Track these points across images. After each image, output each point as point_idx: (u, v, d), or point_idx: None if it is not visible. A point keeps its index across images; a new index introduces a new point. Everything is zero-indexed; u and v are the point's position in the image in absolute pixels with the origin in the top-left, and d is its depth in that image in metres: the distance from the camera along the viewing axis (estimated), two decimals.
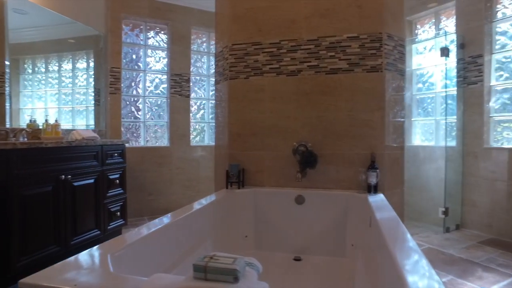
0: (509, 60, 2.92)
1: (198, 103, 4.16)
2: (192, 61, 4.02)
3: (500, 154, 2.87)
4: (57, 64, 3.15)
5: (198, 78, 4.15)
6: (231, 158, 2.51)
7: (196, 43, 4.13)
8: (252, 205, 2.36)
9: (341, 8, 2.33)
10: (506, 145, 2.91)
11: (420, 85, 3.63)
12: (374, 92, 2.26)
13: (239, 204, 2.32)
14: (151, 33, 3.83)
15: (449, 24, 3.39)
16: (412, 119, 3.63)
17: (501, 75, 2.99)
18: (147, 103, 3.82)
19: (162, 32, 3.87)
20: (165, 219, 1.57)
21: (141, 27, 3.76)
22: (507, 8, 2.93)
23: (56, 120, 2.75)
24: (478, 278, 2.06)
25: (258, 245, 2.34)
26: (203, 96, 4.20)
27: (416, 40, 3.65)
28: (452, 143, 3.16)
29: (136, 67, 3.77)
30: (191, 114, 3.99)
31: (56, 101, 3.14)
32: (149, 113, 3.84)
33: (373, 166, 2.18)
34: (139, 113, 3.78)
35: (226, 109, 2.58)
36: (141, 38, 3.77)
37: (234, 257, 0.81)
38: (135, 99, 3.77)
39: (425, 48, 3.59)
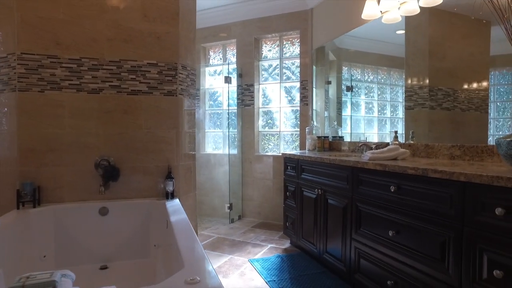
0: (267, 90, 4.00)
1: None
2: None
3: (267, 159, 3.87)
4: None
5: None
6: (22, 175, 2.34)
7: None
8: (51, 222, 2.30)
9: (142, 36, 2.60)
10: (269, 153, 3.95)
11: (211, 102, 4.34)
12: (170, 113, 2.66)
13: (35, 223, 2.22)
14: None
15: (234, 55, 4.24)
16: (205, 131, 4.31)
17: (264, 101, 4.03)
18: None
19: None
20: None
21: None
22: (268, 51, 3.99)
23: None
24: (248, 253, 2.79)
25: (59, 263, 2.30)
26: None
27: (209, 64, 4.35)
28: (234, 151, 3.99)
29: None
30: None
31: None
32: None
33: (169, 176, 2.57)
34: None
35: (13, 123, 2.37)
36: None
37: (50, 272, 0.98)
38: None
39: (215, 72, 4.33)
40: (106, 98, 2.53)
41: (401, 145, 2.31)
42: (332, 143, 3.20)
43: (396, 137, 2.35)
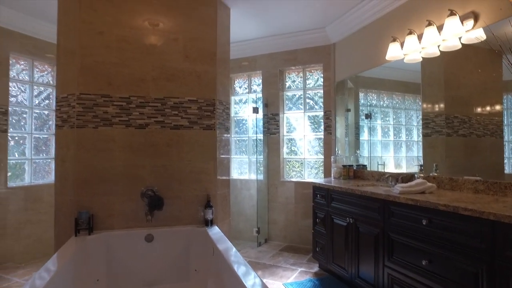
0: (292, 119, 4.22)
1: (16, 138, 3.74)
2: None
3: (290, 185, 4.06)
4: None
5: (17, 109, 3.74)
6: (78, 205, 2.57)
7: (15, 69, 3.73)
8: (103, 248, 2.51)
9: (184, 75, 2.87)
10: (293, 179, 4.15)
11: (237, 129, 4.58)
12: (208, 146, 2.89)
13: (90, 249, 2.43)
14: None
15: (259, 84, 4.49)
16: (231, 157, 4.52)
17: (289, 129, 4.25)
18: None
19: None
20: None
21: None
22: (292, 82, 4.24)
23: None
24: (281, 277, 2.95)
25: (110, 286, 2.49)
26: (24, 130, 3.80)
27: (235, 93, 4.61)
28: (261, 176, 4.19)
29: None
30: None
31: None
32: None
33: (208, 204, 2.78)
34: None
35: (71, 157, 2.62)
36: None
37: None
38: None
39: (240, 100, 4.59)
40: (152, 133, 2.78)
41: (426, 177, 2.48)
42: (356, 172, 3.38)
43: (421, 170, 2.53)
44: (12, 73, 3.65)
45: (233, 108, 4.59)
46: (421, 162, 2.67)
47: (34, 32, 3.61)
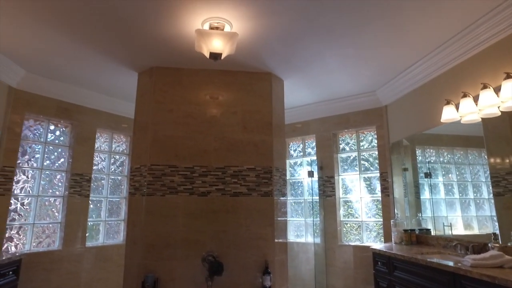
0: (347, 181, 4.19)
1: (95, 201, 4.18)
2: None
3: (348, 249, 3.91)
4: None
5: (97, 176, 4.23)
6: (145, 268, 2.75)
7: (98, 141, 4.29)
8: None
9: (242, 145, 3.09)
10: (351, 243, 4.00)
11: (292, 191, 4.64)
12: (266, 212, 2.98)
13: None
14: (51, 127, 3.83)
15: (313, 146, 4.60)
16: (287, 219, 4.53)
17: (345, 190, 4.21)
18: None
19: (64, 128, 3.93)
20: None
21: (42, 122, 3.73)
22: (346, 144, 4.30)
23: None
24: None
25: None
26: (101, 194, 4.25)
27: (290, 156, 4.75)
28: (318, 239, 4.11)
29: (26, 164, 3.64)
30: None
31: None
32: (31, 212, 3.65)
33: (267, 271, 2.79)
34: (21, 213, 3.54)
35: (141, 222, 2.87)
36: (37, 131, 3.69)
37: None
38: (25, 199, 3.58)
39: (295, 163, 4.70)
40: (213, 200, 2.96)
41: (503, 248, 2.27)
42: (419, 237, 3.18)
43: (495, 240, 2.33)
44: (96, 145, 4.21)
45: (288, 171, 4.70)
46: (495, 227, 2.45)
47: (115, 109, 4.20)
